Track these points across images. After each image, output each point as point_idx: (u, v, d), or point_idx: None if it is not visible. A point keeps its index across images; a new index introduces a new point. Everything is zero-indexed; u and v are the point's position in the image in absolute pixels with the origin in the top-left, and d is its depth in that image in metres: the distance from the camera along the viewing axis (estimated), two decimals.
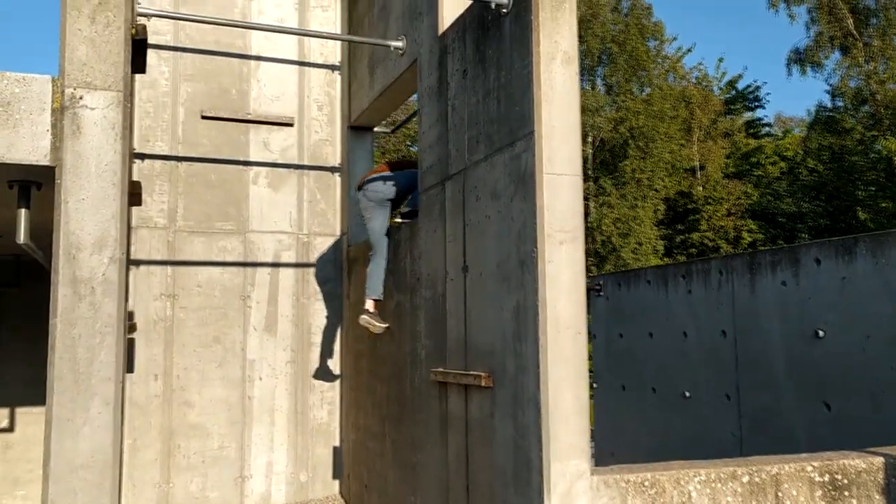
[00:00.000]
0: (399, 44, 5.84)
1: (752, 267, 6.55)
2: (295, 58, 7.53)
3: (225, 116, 7.18)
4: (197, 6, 7.15)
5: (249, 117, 7.27)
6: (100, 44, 3.05)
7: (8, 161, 2.92)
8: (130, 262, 6.73)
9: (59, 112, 2.98)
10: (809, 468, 4.01)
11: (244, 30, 7.27)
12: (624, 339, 8.54)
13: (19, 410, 7.93)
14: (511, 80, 4.08)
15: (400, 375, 5.71)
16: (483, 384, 4.21)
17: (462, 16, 4.79)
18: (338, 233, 7.46)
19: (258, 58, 7.37)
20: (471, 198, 4.55)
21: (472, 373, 4.38)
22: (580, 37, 28.27)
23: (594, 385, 9.12)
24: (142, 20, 4.80)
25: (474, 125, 4.53)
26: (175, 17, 6.80)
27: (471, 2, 4.59)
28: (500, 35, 4.23)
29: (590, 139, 28.61)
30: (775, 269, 6.26)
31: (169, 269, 6.87)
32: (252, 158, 7.26)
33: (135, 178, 6.81)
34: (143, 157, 6.86)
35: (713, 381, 7.01)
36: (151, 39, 6.96)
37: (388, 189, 5.84)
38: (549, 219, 3.75)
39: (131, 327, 5.91)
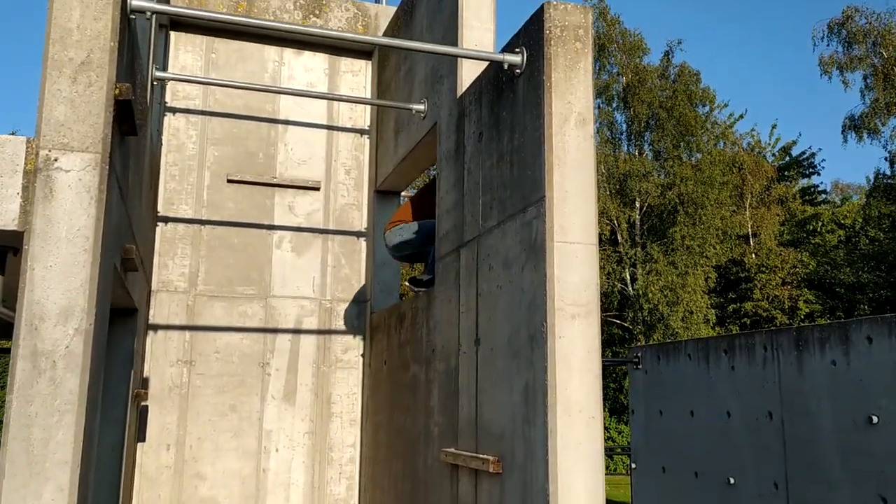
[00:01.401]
0: (420, 107, 5.69)
1: (799, 343, 6.07)
2: (323, 122, 7.47)
3: (251, 180, 7.11)
4: (229, 71, 7.18)
5: (275, 181, 7.18)
6: (80, 104, 2.93)
7: None
8: (149, 327, 6.60)
9: (31, 174, 2.85)
10: None
11: (273, 94, 7.24)
12: (664, 417, 8.02)
13: None
14: (524, 143, 3.85)
15: (414, 452, 5.37)
16: (492, 469, 3.85)
17: (479, 77, 4.61)
18: (361, 299, 7.24)
19: (286, 122, 7.32)
20: (484, 266, 4.28)
21: (481, 456, 4.03)
22: (626, 103, 28.16)
23: (633, 465, 8.57)
24: (120, 85, 4.76)
25: (488, 190, 4.30)
26: (198, 82, 6.81)
27: (486, 63, 4.42)
28: (513, 96, 4.02)
29: (637, 204, 28.16)
30: (824, 347, 5.77)
31: (187, 334, 6.71)
32: (277, 222, 7.14)
33: (157, 241, 6.74)
34: (166, 220, 6.80)
35: (759, 468, 6.45)
36: (181, 104, 6.99)
37: (406, 232, 5.76)
38: (560, 291, 3.45)
39: (138, 395, 5.72)
